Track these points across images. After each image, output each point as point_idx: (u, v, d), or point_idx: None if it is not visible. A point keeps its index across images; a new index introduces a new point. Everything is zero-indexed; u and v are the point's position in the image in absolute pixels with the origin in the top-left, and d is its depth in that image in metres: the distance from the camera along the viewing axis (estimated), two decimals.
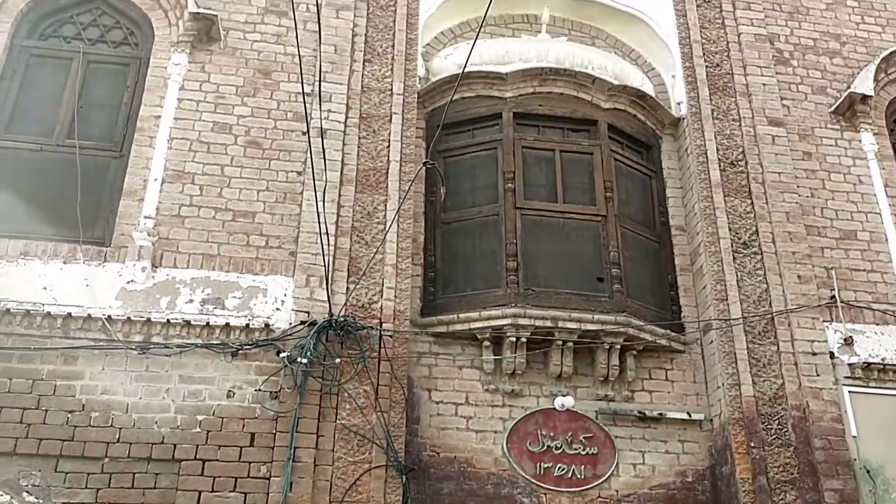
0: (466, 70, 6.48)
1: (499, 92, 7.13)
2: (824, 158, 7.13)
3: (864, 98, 7.22)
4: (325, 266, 5.76)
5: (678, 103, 7.40)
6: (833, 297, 6.47)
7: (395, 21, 7.15)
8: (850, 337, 6.34)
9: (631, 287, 6.53)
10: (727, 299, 6.42)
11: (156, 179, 6.08)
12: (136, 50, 6.73)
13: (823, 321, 6.39)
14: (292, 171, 6.36)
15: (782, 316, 6.33)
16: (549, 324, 6.17)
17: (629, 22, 7.78)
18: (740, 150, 7.03)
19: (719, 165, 6.94)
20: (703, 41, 7.53)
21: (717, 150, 7.01)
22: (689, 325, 6.63)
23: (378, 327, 5.87)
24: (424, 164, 5.24)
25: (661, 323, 6.52)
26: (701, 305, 6.65)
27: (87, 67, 6.54)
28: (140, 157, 6.17)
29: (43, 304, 5.53)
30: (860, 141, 7.20)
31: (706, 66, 7.39)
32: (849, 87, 7.38)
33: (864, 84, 7.28)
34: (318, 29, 6.37)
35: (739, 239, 6.65)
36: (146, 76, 6.49)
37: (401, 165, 6.57)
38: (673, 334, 6.53)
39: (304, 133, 6.37)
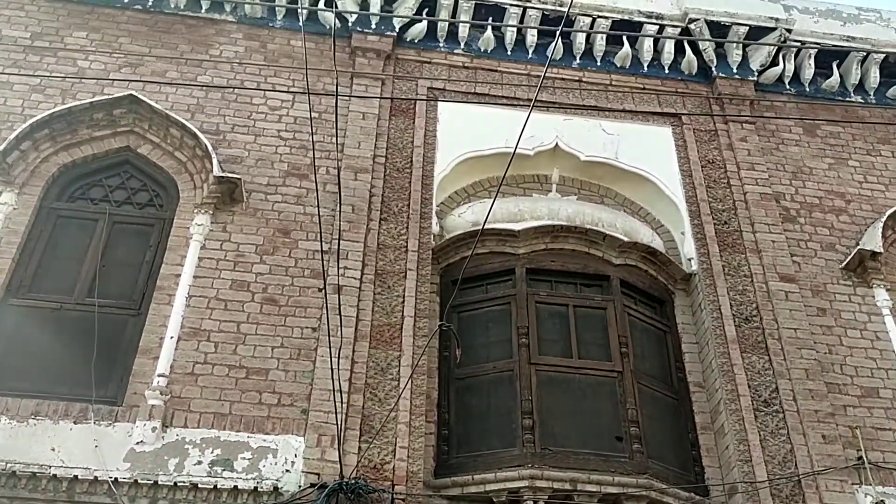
0: (481, 228, 6.67)
1: (512, 248, 7.24)
2: (839, 314, 7.10)
3: (874, 255, 7.28)
4: (337, 425, 5.65)
5: (689, 259, 7.47)
6: (860, 458, 6.25)
7: (410, 182, 7.39)
8: (882, 501, 6.06)
9: (651, 446, 6.32)
10: (751, 460, 6.19)
11: (172, 337, 6.10)
12: (160, 211, 6.95)
13: (852, 484, 6.14)
14: (307, 328, 6.38)
15: (809, 478, 6.08)
16: (567, 486, 5.93)
17: (636, 181, 7.98)
18: (754, 305, 7.02)
19: (734, 321, 6.91)
20: (710, 200, 7.70)
21: (731, 305, 7.01)
22: (713, 488, 6.36)
23: (390, 490, 5.66)
24: (440, 326, 5.25)
25: (684, 486, 6.26)
26: (724, 466, 6.41)
27: (112, 228, 6.74)
28: (158, 315, 6.22)
29: (50, 467, 5.40)
30: (874, 297, 7.19)
31: (714, 224, 7.51)
32: (858, 244, 7.46)
33: (873, 241, 7.36)
34: (337, 190, 6.65)
35: (760, 397, 6.51)
36: (169, 236, 6.67)
37: (415, 321, 6.57)
38: (697, 497, 6.25)
39: (320, 290, 6.43)
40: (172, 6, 8.11)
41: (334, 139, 7.01)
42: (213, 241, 6.68)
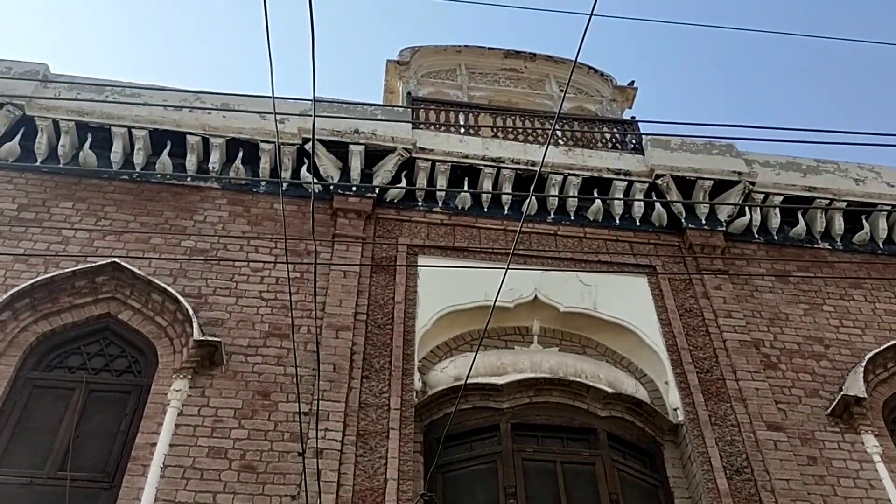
0: (462, 383, 6.62)
1: (495, 403, 7.16)
2: (830, 463, 6.98)
3: (859, 400, 7.26)
4: None
5: (675, 409, 7.40)
6: None
7: (391, 338, 7.39)
8: None
9: None
10: None
11: None
12: (138, 377, 6.87)
13: None
14: (286, 496, 6.15)
15: None
16: None
17: (616, 331, 8.03)
18: (744, 456, 6.90)
19: (725, 473, 6.76)
20: (691, 348, 7.74)
21: (721, 457, 6.88)
22: None
23: None
24: (422, 496, 5.09)
25: None
26: None
27: (89, 397, 6.62)
28: (131, 488, 6.00)
29: None
30: (863, 443, 7.10)
31: (697, 372, 7.51)
32: (841, 389, 7.46)
33: (856, 386, 7.37)
34: (317, 349, 6.63)
35: None
36: (146, 403, 6.55)
37: (398, 484, 6.37)
38: None
39: (299, 454, 6.26)
40: (159, 175, 8.40)
41: (314, 299, 7.05)
42: (191, 406, 6.56)
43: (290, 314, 6.40)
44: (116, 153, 8.41)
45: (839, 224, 9.10)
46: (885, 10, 24.69)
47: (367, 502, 6.22)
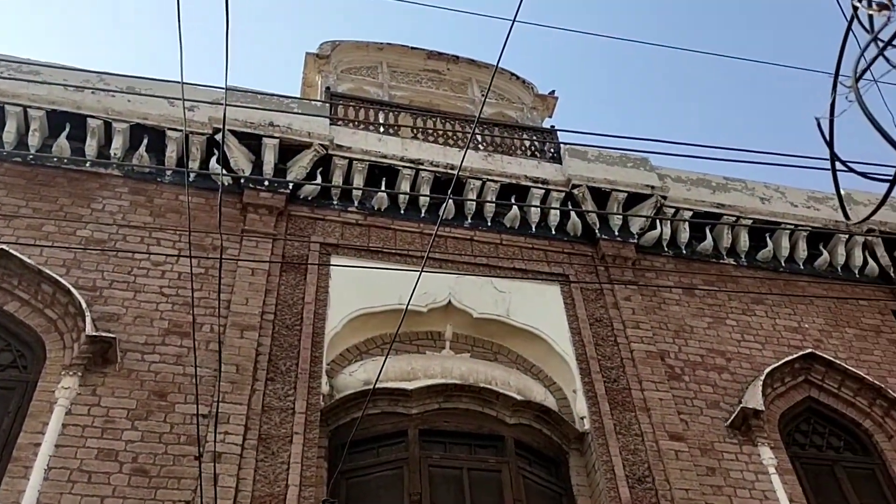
0: (372, 387, 6.56)
1: (404, 409, 7.15)
2: (728, 473, 7.25)
3: (757, 413, 7.57)
4: None
5: (581, 418, 7.54)
6: None
7: (300, 340, 7.27)
8: None
9: None
10: None
11: None
12: (23, 373, 6.52)
13: None
14: (180, 501, 5.94)
15: None
16: None
17: (528, 339, 8.14)
18: (646, 465, 7.09)
19: (627, 482, 6.93)
20: (599, 357, 7.91)
21: (624, 465, 7.05)
22: None
23: None
24: (323, 502, 5.02)
25: None
26: None
27: None
28: (11, 490, 5.67)
29: None
30: (759, 455, 7.41)
31: (604, 382, 7.68)
32: (740, 402, 7.76)
33: (754, 399, 7.68)
34: (219, 349, 6.43)
35: None
36: (31, 400, 6.21)
37: (300, 490, 6.26)
38: None
39: (196, 458, 6.07)
40: (55, 160, 8.01)
41: (219, 296, 6.85)
42: (81, 405, 6.27)
43: (191, 311, 6.20)
44: (10, 133, 7.99)
45: (744, 241, 9.50)
46: (804, 33, 26.08)
47: None
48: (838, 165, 3.72)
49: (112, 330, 6.72)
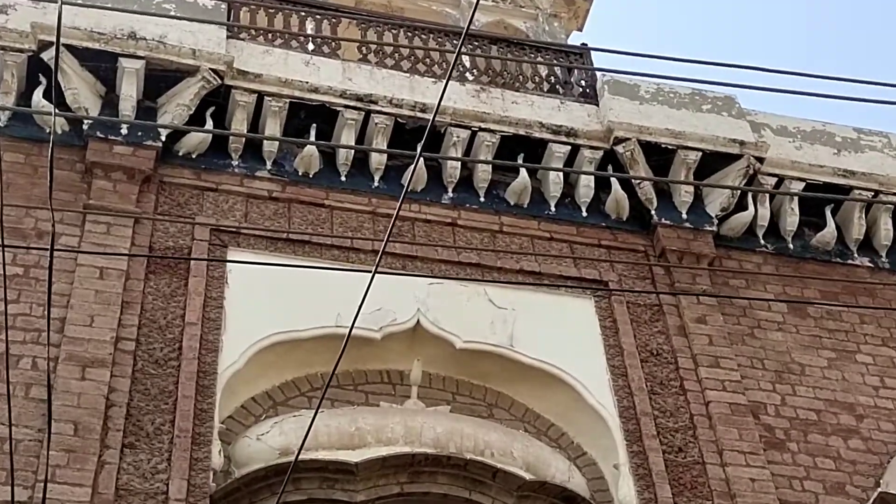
0: (290, 460, 6.55)
1: (346, 494, 7.23)
2: None
3: None
4: None
5: None
6: None
7: (177, 382, 7.26)
8: None
9: None
10: None
11: None
12: None
13: None
14: None
15: None
16: None
17: (543, 382, 8.19)
18: None
19: None
20: (657, 413, 7.95)
21: None
22: None
23: None
24: None
25: None
26: None
27: None
28: None
29: None
30: None
31: (664, 452, 7.72)
32: (877, 484, 7.85)
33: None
34: (47, 396, 6.38)
35: None
36: None
37: None
38: None
39: None
40: None
41: (47, 312, 6.78)
42: None
43: (4, 335, 6.12)
44: None
45: (886, 230, 9.60)
46: None
47: None
48: None
49: None
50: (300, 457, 6.29)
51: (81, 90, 8.34)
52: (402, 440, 7.48)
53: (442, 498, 7.36)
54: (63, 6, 4.71)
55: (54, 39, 7.41)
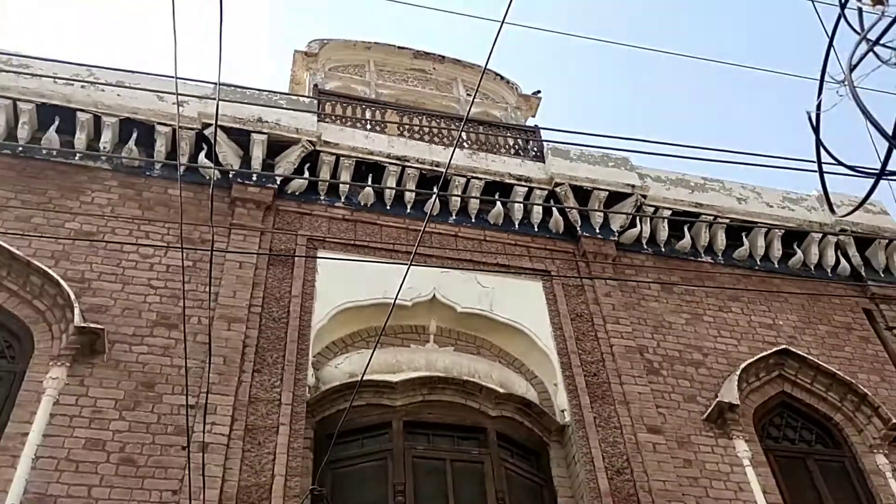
0: (356, 379, 6.55)
1: (389, 400, 7.14)
2: (704, 465, 7.30)
3: (732, 406, 7.63)
4: None
5: (562, 411, 7.56)
6: None
7: (286, 332, 7.24)
8: None
9: None
10: None
11: None
12: (11, 363, 6.44)
13: None
14: (167, 490, 5.91)
15: None
16: None
17: (511, 333, 8.15)
18: (625, 457, 7.13)
19: (606, 473, 6.96)
20: (580, 352, 7.94)
21: (603, 457, 7.08)
22: None
23: None
24: (311, 490, 5.00)
25: None
26: None
27: None
28: None
29: None
30: (734, 448, 7.47)
31: (584, 376, 7.71)
32: (717, 396, 7.81)
33: (730, 393, 7.74)
34: (208, 341, 6.40)
35: None
36: (19, 390, 6.13)
37: (286, 480, 6.24)
38: None
39: (183, 448, 6.03)
40: (44, 152, 7.92)
41: (208, 288, 6.81)
42: (69, 395, 6.20)
43: (182, 303, 6.16)
44: None
45: (721, 240, 9.56)
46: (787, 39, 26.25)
47: (252, 498, 6.06)
48: (825, 157, 3.72)
49: (100, 321, 6.65)
50: (361, 378, 6.31)
51: (228, 153, 8.33)
52: (424, 368, 7.45)
53: (448, 404, 7.26)
54: (219, 102, 4.76)
55: (213, 122, 7.51)
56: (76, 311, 6.47)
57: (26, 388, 6.17)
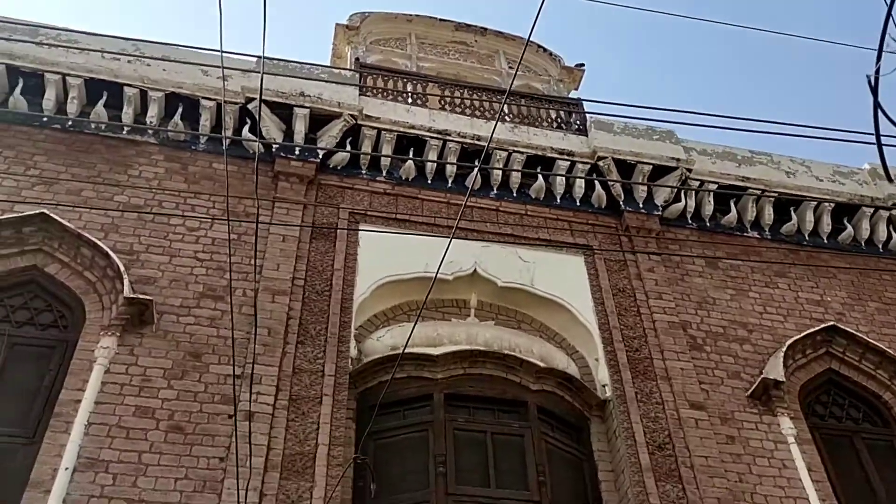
0: (398, 352, 6.60)
1: (430, 373, 7.17)
2: (747, 442, 7.22)
3: (777, 383, 7.52)
4: None
5: (603, 385, 7.54)
6: None
7: (329, 305, 7.31)
8: None
9: None
10: None
11: (67, 468, 5.67)
12: (64, 333, 6.63)
13: None
14: (214, 458, 6.05)
15: None
16: None
17: (551, 308, 8.12)
18: (666, 433, 7.09)
19: (648, 449, 6.94)
20: (622, 327, 7.88)
21: (644, 432, 7.05)
22: None
23: None
24: (355, 458, 5.08)
25: None
26: None
27: (11, 350, 6.37)
28: (53, 444, 5.80)
29: None
30: (779, 425, 7.37)
31: (626, 351, 7.66)
32: (761, 373, 7.70)
33: (775, 370, 7.63)
34: (253, 313, 6.50)
35: None
36: (71, 359, 6.33)
37: (329, 449, 6.34)
38: None
39: (230, 416, 6.17)
40: (93, 127, 8.07)
41: (252, 261, 6.91)
42: (119, 364, 6.37)
43: (228, 275, 6.26)
44: (49, 101, 8.05)
45: (769, 214, 9.37)
46: (836, 7, 25.43)
47: (296, 466, 6.18)
48: (883, 126, 3.57)
49: (148, 292, 6.80)
50: (403, 351, 6.37)
51: (271, 127, 8.39)
52: (465, 342, 7.45)
53: (489, 377, 7.27)
54: (263, 76, 4.79)
55: (257, 96, 7.57)
56: (126, 282, 6.63)
57: (78, 356, 6.35)
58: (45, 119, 8.00)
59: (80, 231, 6.96)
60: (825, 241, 9.43)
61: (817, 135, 5.01)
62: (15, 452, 5.82)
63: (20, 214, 6.95)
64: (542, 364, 7.42)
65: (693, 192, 9.19)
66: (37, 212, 6.95)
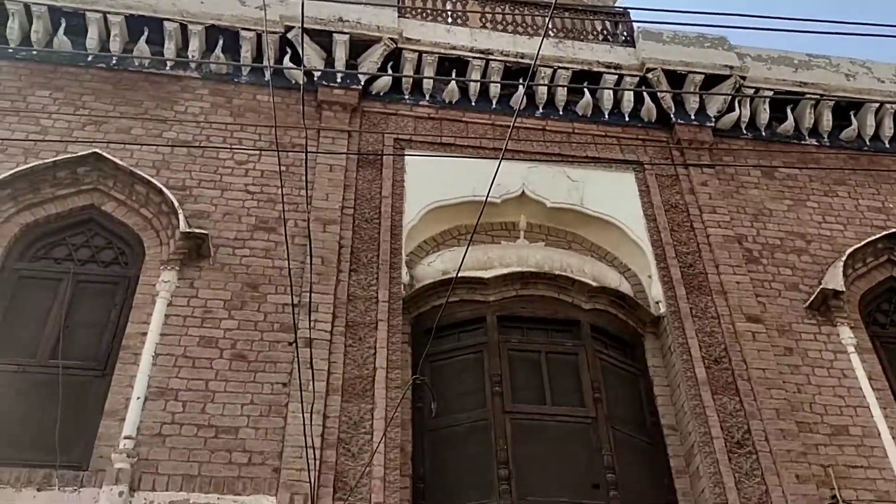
0: (449, 276, 6.66)
1: (482, 296, 7.22)
2: (806, 353, 7.16)
3: (837, 293, 7.39)
4: (310, 483, 5.52)
5: (657, 302, 7.51)
6: (834, 496, 6.25)
7: (379, 233, 7.36)
8: None
9: (627, 492, 6.27)
10: (727, 503, 6.16)
11: (138, 398, 5.94)
12: (125, 269, 6.83)
13: None
14: (277, 383, 6.26)
15: None
16: None
17: (602, 226, 8.04)
18: (722, 347, 7.06)
19: (704, 363, 6.93)
20: (675, 243, 7.78)
21: (700, 347, 7.04)
22: None
23: None
24: (414, 379, 5.19)
25: None
26: None
27: (76, 287, 6.60)
28: (124, 375, 6.07)
29: None
30: (838, 335, 7.27)
31: (680, 267, 7.58)
32: (820, 283, 7.56)
33: (835, 280, 7.48)
34: (306, 243, 6.59)
35: (732, 438, 6.51)
36: (134, 294, 6.54)
37: (387, 373, 6.50)
38: None
39: (290, 343, 6.35)
40: (137, 64, 8.11)
41: (303, 192, 6.96)
42: (180, 297, 6.57)
43: (281, 207, 6.32)
44: (92, 40, 8.09)
45: (828, 120, 9.02)
46: None
47: (356, 389, 6.35)
48: None
49: (203, 227, 6.94)
50: (453, 275, 6.41)
51: (312, 56, 8.31)
52: (516, 264, 7.46)
53: (541, 298, 7.27)
54: (297, 3, 4.70)
55: (297, 25, 7.48)
56: (181, 217, 6.76)
57: (141, 291, 6.56)
58: (89, 59, 8.05)
59: (132, 169, 7.09)
60: (886, 145, 9.09)
61: (880, 32, 4.75)
62: (89, 385, 6.11)
63: (74, 155, 7.09)
64: (594, 283, 7.40)
65: (747, 101, 8.88)
66: (90, 151, 7.08)
